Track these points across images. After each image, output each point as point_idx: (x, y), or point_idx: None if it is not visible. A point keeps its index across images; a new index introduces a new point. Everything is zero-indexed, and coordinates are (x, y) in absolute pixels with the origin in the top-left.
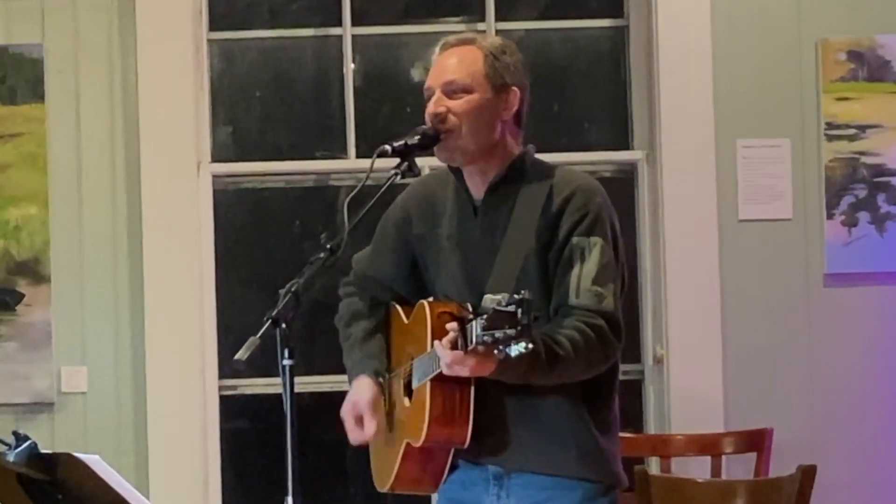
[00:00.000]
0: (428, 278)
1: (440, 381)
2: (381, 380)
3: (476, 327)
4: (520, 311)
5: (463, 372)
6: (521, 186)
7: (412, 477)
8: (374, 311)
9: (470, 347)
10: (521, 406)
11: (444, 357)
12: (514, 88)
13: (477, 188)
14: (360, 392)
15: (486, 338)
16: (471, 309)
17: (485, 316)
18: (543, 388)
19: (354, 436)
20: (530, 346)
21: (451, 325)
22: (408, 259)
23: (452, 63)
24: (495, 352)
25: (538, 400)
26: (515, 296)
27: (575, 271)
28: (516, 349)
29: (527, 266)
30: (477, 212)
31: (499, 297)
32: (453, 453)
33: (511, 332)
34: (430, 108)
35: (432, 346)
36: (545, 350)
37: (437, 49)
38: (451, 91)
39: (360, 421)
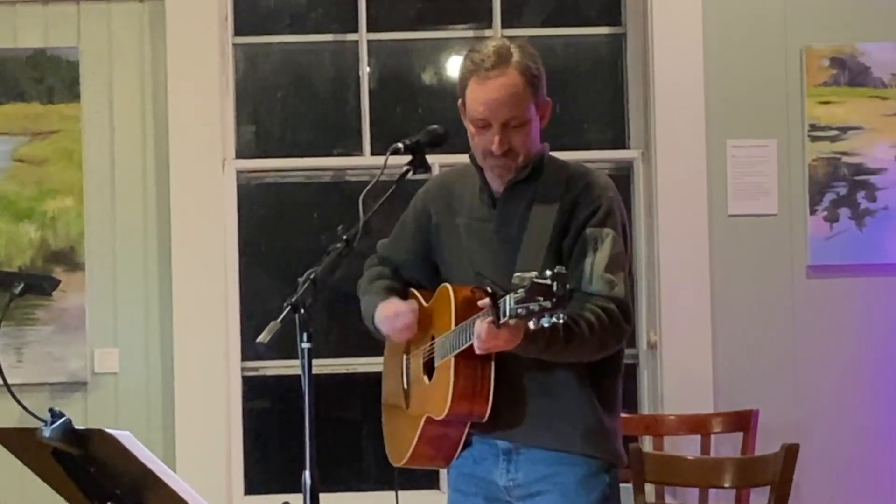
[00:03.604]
0: (444, 264)
1: (463, 357)
2: None
3: (510, 301)
4: (556, 283)
5: (498, 346)
6: (538, 181)
7: (428, 452)
8: (395, 278)
9: (503, 320)
10: (535, 384)
11: (483, 333)
12: (548, 99)
13: (497, 182)
14: (394, 303)
15: (520, 310)
16: (493, 288)
17: (521, 289)
18: (556, 367)
19: (404, 334)
20: (561, 317)
21: (484, 301)
22: (425, 247)
23: (504, 97)
24: (530, 323)
25: (550, 379)
26: (548, 271)
27: (589, 260)
28: (549, 320)
29: (549, 253)
30: (496, 204)
31: (530, 274)
32: (468, 429)
33: (546, 303)
34: (495, 146)
35: (456, 324)
36: (563, 328)
37: (470, 71)
38: (511, 126)
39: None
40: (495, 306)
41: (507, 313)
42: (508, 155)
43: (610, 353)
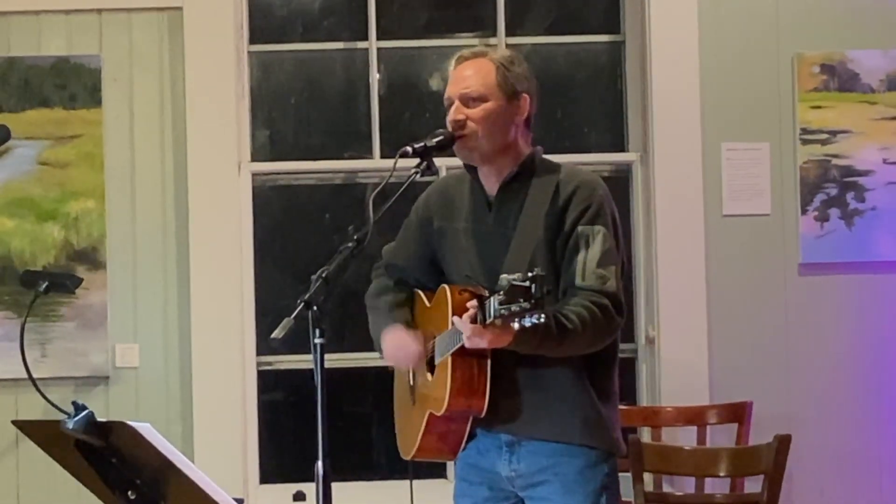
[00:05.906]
0: (446, 267)
1: (460, 355)
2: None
3: (493, 302)
4: (534, 286)
5: (482, 344)
6: (530, 182)
7: (434, 445)
8: (401, 288)
9: (488, 321)
10: (531, 378)
11: (465, 331)
12: (525, 95)
13: (491, 185)
14: (400, 334)
15: (503, 311)
16: (486, 290)
17: (502, 291)
18: (552, 361)
19: (404, 366)
20: (542, 317)
21: (472, 303)
22: (428, 250)
23: (468, 75)
24: (512, 323)
25: (546, 373)
26: (529, 273)
27: (580, 256)
28: (530, 320)
29: (537, 252)
30: (491, 206)
31: (514, 275)
32: (471, 423)
33: (526, 304)
34: (451, 115)
35: (453, 323)
36: (556, 324)
37: (453, 62)
38: (468, 100)
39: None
40: (482, 307)
41: (492, 314)
42: (465, 129)
43: (604, 344)
